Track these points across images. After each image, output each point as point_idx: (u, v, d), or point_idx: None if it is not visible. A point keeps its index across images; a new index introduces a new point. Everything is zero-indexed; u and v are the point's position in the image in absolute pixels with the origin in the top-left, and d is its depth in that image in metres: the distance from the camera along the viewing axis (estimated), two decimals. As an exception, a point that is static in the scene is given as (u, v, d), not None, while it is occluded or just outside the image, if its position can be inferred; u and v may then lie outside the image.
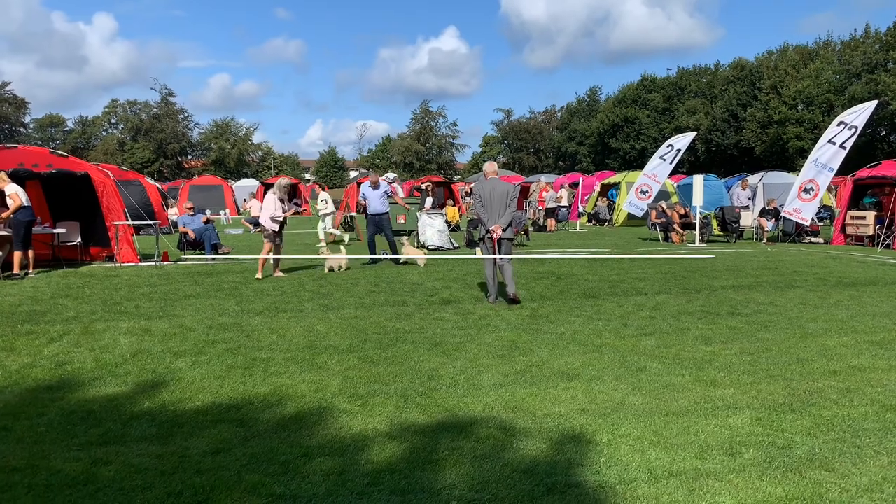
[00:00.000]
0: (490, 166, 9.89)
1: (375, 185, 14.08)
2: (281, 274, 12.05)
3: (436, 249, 17.32)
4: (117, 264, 13.43)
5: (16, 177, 12.20)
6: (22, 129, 71.77)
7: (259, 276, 11.71)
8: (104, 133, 76.17)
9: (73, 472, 3.73)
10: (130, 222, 13.98)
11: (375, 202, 14.02)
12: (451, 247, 17.77)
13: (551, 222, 24.61)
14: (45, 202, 14.53)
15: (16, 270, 11.61)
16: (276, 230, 11.98)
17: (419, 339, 7.03)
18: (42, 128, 77.53)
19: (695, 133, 28.02)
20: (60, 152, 14.07)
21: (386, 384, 5.45)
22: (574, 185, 32.06)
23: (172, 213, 24.67)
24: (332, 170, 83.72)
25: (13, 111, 70.25)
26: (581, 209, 28.61)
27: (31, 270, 11.90)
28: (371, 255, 13.71)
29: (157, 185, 27.04)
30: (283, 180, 12.62)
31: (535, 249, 17.22)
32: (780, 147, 56.49)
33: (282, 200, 12.27)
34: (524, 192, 26.67)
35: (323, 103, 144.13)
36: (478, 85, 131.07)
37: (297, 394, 5.16)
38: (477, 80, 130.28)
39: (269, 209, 12.02)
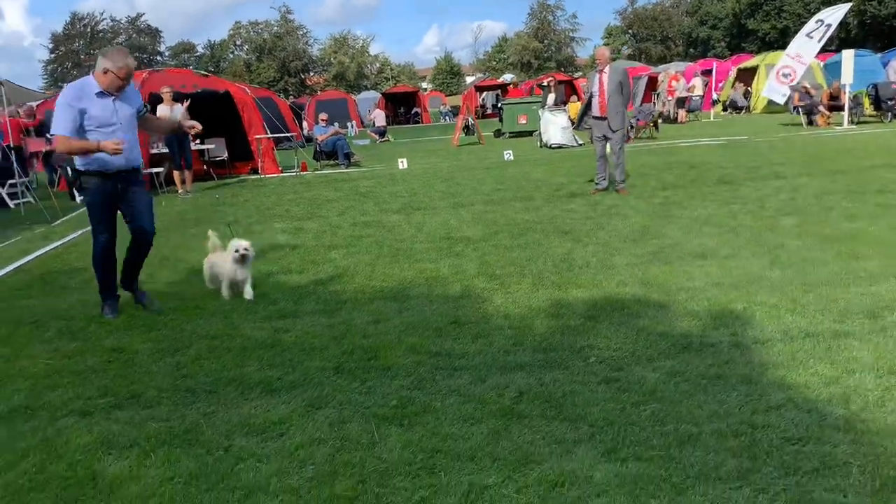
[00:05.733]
0: (603, 52, 9.58)
1: (119, 89, 4.75)
2: None
3: (560, 147, 17.20)
4: (262, 176, 14.50)
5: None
6: (158, 58, 76.31)
7: None
8: (231, 55, 79.45)
9: (261, 337, 4.38)
10: (270, 135, 14.93)
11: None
12: (575, 144, 17.55)
13: (682, 113, 23.49)
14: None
15: (178, 188, 12.62)
16: None
17: (549, 229, 7.27)
18: (176, 55, 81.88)
19: (849, 4, 24.65)
20: (202, 72, 15.12)
21: (520, 266, 5.77)
22: (707, 73, 30.09)
23: (304, 127, 25.83)
24: (448, 76, 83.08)
25: (149, 41, 74.63)
26: (715, 97, 26.98)
27: (188, 187, 12.60)
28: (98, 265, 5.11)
29: (288, 101, 28.25)
30: None
31: (665, 141, 16.66)
32: (951, 12, 49.45)
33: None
34: (653, 83, 25.48)
35: (440, 6, 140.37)
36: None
37: (440, 276, 5.61)
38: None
39: None
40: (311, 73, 78.98)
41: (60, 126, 4.63)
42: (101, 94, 4.69)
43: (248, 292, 5.24)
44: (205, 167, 14.88)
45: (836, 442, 2.76)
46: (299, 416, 3.24)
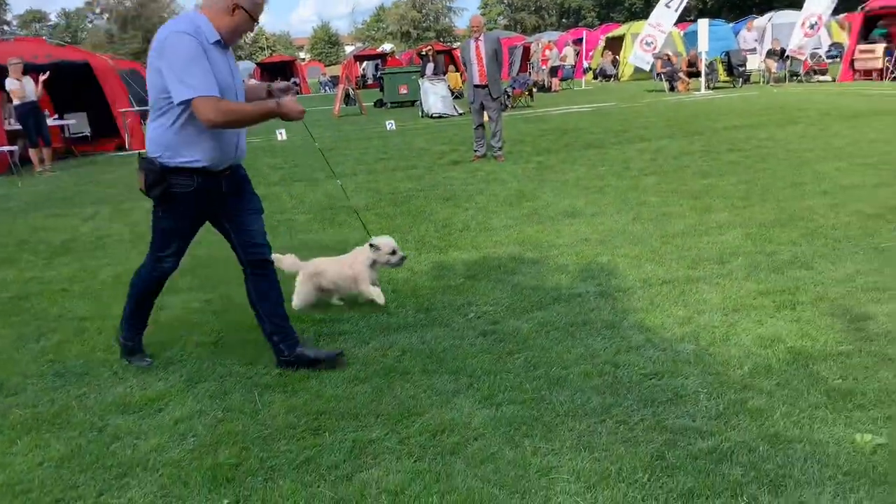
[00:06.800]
0: (479, 20, 9.73)
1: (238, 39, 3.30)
2: None
3: (440, 116, 17.34)
4: (130, 152, 13.69)
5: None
6: (5, 27, 69.65)
7: None
8: (90, 25, 73.82)
9: (135, 317, 4.21)
10: (137, 109, 14.09)
11: None
12: (456, 113, 17.75)
13: (555, 81, 24.25)
14: (48, 94, 14.55)
15: (35, 167, 11.71)
16: None
17: (431, 196, 7.39)
18: (25, 24, 75.09)
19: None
20: (57, 41, 13.98)
21: (403, 233, 5.86)
22: (578, 42, 31.15)
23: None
24: (326, 46, 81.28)
25: (-7, 9, 67.91)
26: (586, 66, 28.02)
27: (46, 166, 11.81)
28: None
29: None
30: None
31: (539, 109, 17.19)
32: (793, -15, 53.71)
33: None
34: (527, 53, 26.08)
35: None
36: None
37: (322, 246, 5.59)
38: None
39: None
40: (181, 44, 74.69)
41: (203, 84, 2.89)
42: (217, 44, 3.05)
43: (380, 294, 4.07)
44: (65, 144, 13.85)
45: (687, 374, 3.05)
46: (178, 391, 3.19)
